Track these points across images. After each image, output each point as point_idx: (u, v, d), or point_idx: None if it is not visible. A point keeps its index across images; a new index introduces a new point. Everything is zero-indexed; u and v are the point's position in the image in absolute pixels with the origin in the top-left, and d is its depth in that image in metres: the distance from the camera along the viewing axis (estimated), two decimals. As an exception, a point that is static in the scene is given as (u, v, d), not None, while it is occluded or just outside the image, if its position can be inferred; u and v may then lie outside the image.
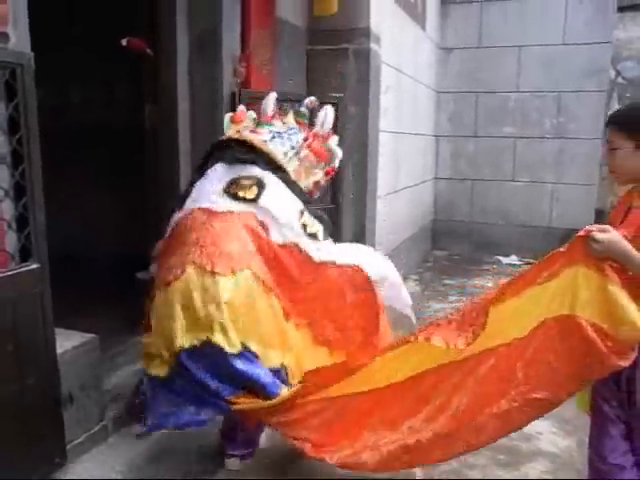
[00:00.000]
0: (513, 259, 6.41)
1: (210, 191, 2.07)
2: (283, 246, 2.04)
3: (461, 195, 6.68)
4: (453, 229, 6.78)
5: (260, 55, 3.14)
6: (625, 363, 1.54)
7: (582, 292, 1.57)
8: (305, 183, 2.25)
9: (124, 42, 2.98)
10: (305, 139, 2.28)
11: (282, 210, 2.05)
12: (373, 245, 4.06)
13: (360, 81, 3.69)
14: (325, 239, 2.15)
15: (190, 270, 1.87)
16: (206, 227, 1.96)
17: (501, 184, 6.52)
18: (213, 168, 2.14)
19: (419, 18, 5.34)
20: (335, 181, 3.37)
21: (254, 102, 2.91)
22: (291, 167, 2.18)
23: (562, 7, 6.04)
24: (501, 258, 6.44)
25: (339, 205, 3.40)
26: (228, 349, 1.82)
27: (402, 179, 5.06)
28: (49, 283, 1.91)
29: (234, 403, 1.88)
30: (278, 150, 2.17)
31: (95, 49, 4.07)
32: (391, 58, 4.30)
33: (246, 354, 1.85)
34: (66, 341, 2.21)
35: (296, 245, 2.05)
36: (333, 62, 3.72)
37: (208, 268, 1.85)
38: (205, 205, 2.03)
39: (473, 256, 6.54)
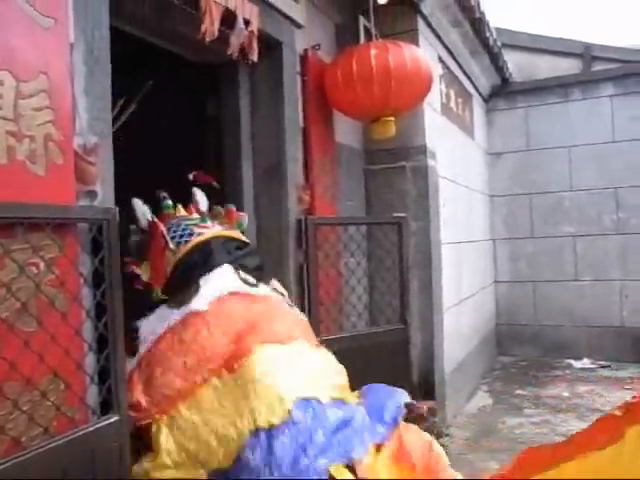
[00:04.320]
0: (586, 362, 6.05)
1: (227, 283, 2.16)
2: None
3: (523, 297, 6.48)
4: (518, 333, 6.51)
5: (322, 181, 3.21)
6: None
7: None
8: None
9: (191, 176, 3.10)
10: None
11: None
12: (442, 363, 3.90)
13: (420, 197, 3.72)
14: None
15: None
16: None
17: (564, 284, 6.31)
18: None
19: (468, 128, 5.46)
20: (402, 300, 3.31)
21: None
22: None
23: (608, 106, 6.10)
24: (573, 362, 6.09)
25: (407, 324, 3.30)
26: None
27: (464, 288, 4.94)
28: (128, 434, 1.85)
29: None
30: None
31: (165, 183, 4.25)
32: (446, 171, 4.35)
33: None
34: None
35: None
36: (391, 180, 3.78)
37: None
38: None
39: (541, 361, 6.22)
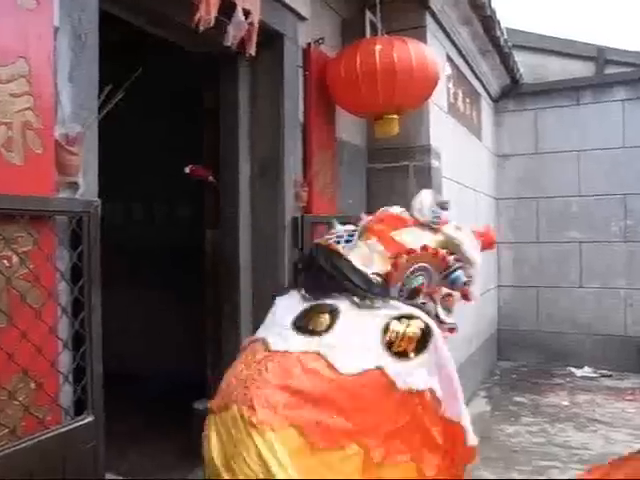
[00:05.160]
0: (587, 371, 5.95)
1: (279, 322, 1.90)
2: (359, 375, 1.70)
3: (526, 303, 6.37)
4: (519, 339, 6.41)
5: (321, 178, 3.13)
6: None
7: None
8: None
9: (187, 170, 3.03)
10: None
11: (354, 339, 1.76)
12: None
13: (422, 198, 3.62)
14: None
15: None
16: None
17: (568, 290, 6.20)
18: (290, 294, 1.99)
19: (475, 129, 5.36)
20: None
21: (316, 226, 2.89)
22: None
23: (619, 110, 5.98)
24: (574, 370, 5.99)
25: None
26: None
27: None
28: (103, 436, 1.78)
29: None
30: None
31: (160, 173, 4.21)
32: (452, 172, 4.26)
33: None
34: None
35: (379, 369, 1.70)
36: (393, 180, 3.69)
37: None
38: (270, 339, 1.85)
39: (542, 368, 6.11)
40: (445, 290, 2.11)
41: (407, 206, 2.26)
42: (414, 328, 1.75)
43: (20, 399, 1.52)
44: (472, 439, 1.83)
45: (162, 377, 4.00)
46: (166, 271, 4.29)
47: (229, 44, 2.37)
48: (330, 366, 1.71)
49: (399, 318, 1.78)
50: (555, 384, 5.58)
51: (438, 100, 3.98)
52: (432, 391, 1.75)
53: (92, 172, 1.78)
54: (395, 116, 3.18)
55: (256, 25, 2.52)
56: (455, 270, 2.07)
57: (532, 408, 4.85)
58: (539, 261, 6.30)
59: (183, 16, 2.33)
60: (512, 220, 6.41)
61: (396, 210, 2.21)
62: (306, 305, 1.92)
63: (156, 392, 3.92)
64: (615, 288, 6.04)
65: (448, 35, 4.28)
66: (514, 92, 6.32)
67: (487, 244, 2.40)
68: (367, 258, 1.95)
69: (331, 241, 2.09)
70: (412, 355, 1.73)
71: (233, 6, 2.39)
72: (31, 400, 1.56)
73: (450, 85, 4.48)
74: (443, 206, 2.26)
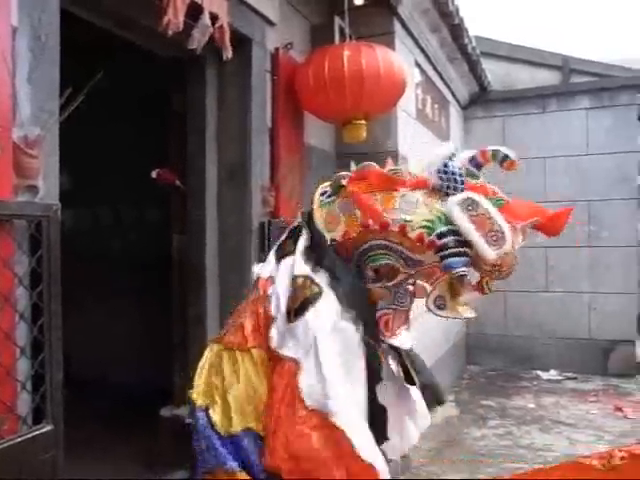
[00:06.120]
0: (552, 374, 6.08)
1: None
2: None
3: (494, 307, 6.45)
4: (487, 343, 6.50)
5: (289, 182, 3.13)
6: None
7: None
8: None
9: (154, 174, 3.00)
10: None
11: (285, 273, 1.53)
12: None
13: (389, 203, 3.63)
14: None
15: None
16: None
17: (535, 295, 6.31)
18: None
19: (444, 135, 5.42)
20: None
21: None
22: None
23: (583, 118, 6.12)
24: (540, 373, 6.12)
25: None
26: None
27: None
28: (62, 445, 1.75)
29: None
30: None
31: (126, 179, 4.15)
32: (418, 177, 4.29)
33: None
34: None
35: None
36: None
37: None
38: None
39: (509, 371, 6.22)
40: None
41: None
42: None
43: (-26, 408, 1.48)
44: None
45: (128, 384, 3.93)
46: (132, 276, 4.23)
47: (194, 47, 2.36)
48: None
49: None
50: (522, 387, 5.68)
51: (406, 106, 4.02)
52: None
53: (52, 175, 1.75)
54: (363, 122, 3.19)
55: (227, 29, 2.51)
56: (451, 255, 1.45)
57: (499, 411, 4.92)
58: (506, 266, 6.38)
59: (149, 19, 2.31)
60: (480, 225, 6.48)
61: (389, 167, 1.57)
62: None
63: (121, 399, 3.86)
64: (580, 292, 6.17)
65: (417, 42, 4.32)
66: (482, 99, 6.43)
67: (550, 228, 1.60)
68: (335, 220, 1.59)
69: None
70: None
71: (200, 10, 2.38)
72: (-14, 409, 1.52)
73: (419, 91, 4.52)
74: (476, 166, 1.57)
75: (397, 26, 3.86)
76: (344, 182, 1.56)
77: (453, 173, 1.50)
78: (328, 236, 1.56)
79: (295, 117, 3.27)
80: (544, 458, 3.84)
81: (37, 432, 1.66)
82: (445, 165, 1.50)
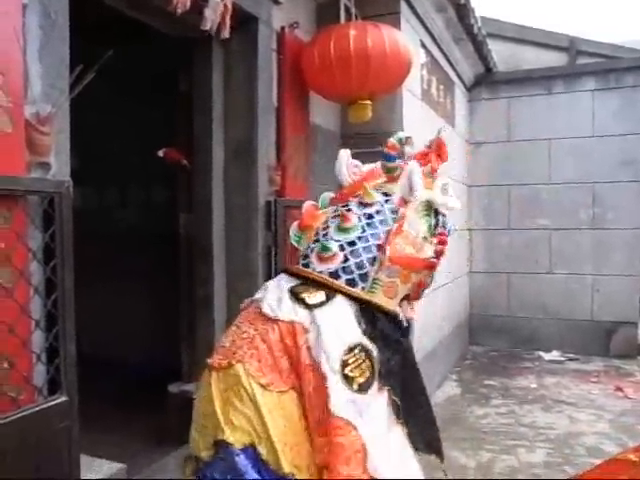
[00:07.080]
0: (555, 355, 6.12)
1: (276, 285, 1.66)
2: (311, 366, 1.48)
3: (497, 289, 6.50)
4: (490, 324, 6.54)
5: (295, 162, 3.14)
6: None
7: None
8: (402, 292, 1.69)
9: (161, 153, 3.01)
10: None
11: (332, 331, 1.51)
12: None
13: (394, 183, 3.65)
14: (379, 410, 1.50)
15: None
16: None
17: (538, 277, 6.34)
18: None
19: (449, 116, 5.41)
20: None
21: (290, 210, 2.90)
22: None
23: (589, 100, 6.09)
24: (542, 354, 6.16)
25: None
26: None
27: (438, 277, 4.92)
28: (77, 417, 1.79)
29: None
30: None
31: (133, 157, 4.17)
32: (424, 158, 4.30)
33: None
34: (91, 472, 2.08)
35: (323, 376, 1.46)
36: (367, 164, 3.71)
37: None
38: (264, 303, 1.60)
39: (512, 352, 6.27)
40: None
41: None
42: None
43: (-8, 378, 1.52)
44: None
45: (137, 362, 3.99)
46: (140, 255, 4.26)
47: (207, 28, 2.37)
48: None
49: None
50: (524, 367, 5.73)
51: (411, 87, 4.02)
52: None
53: (64, 153, 1.77)
54: (368, 102, 3.20)
55: (229, 7, 2.52)
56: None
57: (502, 391, 4.97)
58: (510, 247, 6.42)
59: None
60: (484, 207, 6.51)
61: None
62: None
63: (130, 377, 3.92)
64: (583, 274, 6.20)
65: (422, 22, 4.30)
66: (488, 80, 6.39)
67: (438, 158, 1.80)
68: (392, 289, 1.69)
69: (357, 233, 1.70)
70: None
71: (207, -12, 2.39)
72: (4, 379, 1.56)
73: (424, 72, 4.51)
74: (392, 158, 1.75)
75: (403, 6, 3.84)
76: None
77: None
78: (397, 309, 1.67)
79: (301, 96, 3.28)
80: (546, 436, 3.89)
81: (52, 402, 1.71)
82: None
